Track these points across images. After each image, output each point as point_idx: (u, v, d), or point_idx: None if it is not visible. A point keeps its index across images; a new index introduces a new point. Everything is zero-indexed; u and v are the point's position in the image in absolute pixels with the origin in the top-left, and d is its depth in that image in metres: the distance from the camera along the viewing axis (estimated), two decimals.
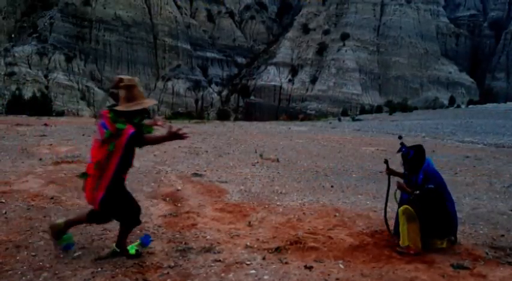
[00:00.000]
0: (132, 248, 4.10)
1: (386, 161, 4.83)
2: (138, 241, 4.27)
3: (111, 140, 3.69)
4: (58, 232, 4.03)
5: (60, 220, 4.13)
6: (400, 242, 4.34)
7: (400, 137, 4.60)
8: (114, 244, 4.13)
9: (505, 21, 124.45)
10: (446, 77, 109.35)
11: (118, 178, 3.85)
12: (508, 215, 5.86)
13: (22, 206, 5.69)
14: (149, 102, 3.93)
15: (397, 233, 4.59)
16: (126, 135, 3.67)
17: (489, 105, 68.58)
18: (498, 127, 26.88)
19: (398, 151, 4.61)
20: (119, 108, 3.76)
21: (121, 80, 3.82)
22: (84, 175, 3.89)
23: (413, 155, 4.46)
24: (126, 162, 3.88)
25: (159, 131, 4.03)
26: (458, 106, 78.56)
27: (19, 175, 7.63)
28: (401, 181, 4.66)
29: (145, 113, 4.01)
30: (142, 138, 3.78)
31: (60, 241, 4.03)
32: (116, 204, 3.88)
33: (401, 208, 4.38)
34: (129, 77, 3.89)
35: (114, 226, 5.03)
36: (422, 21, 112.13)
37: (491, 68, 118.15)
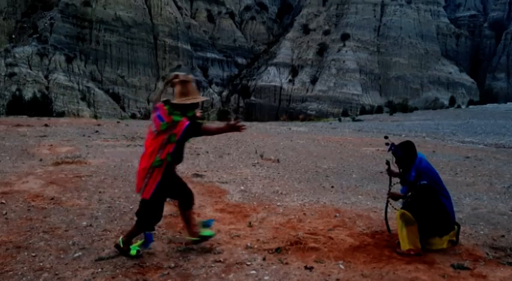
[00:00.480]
0: (133, 249, 4.11)
1: (388, 162, 4.83)
2: (141, 240, 4.26)
3: (167, 131, 3.89)
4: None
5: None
6: (401, 247, 4.33)
7: (386, 138, 4.61)
8: (120, 237, 4.19)
9: (505, 22, 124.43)
10: (446, 77, 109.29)
11: (170, 169, 4.03)
12: (508, 215, 5.86)
13: (22, 206, 5.69)
14: (202, 98, 4.17)
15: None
16: (182, 126, 3.87)
17: (489, 106, 68.58)
18: (498, 127, 26.88)
19: (389, 150, 4.60)
20: (175, 101, 3.98)
21: (176, 76, 4.08)
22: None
23: (402, 153, 4.44)
24: (179, 154, 4.07)
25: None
26: (459, 106, 78.49)
27: (19, 176, 7.63)
28: (397, 190, 4.65)
29: (197, 107, 4.19)
30: (199, 129, 3.97)
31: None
32: (156, 202, 4.05)
33: (398, 212, 4.37)
34: (185, 74, 4.12)
35: (114, 226, 5.03)
36: (422, 22, 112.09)
37: (492, 69, 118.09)
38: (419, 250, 4.27)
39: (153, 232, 4.49)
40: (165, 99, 4.10)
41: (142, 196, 4.02)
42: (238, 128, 3.94)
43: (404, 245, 4.29)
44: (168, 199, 6.38)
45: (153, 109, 4.09)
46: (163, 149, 3.92)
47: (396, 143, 4.64)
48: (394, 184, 4.85)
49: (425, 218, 4.32)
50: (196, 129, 3.96)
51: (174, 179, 4.19)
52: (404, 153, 4.43)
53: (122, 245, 4.07)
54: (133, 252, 4.06)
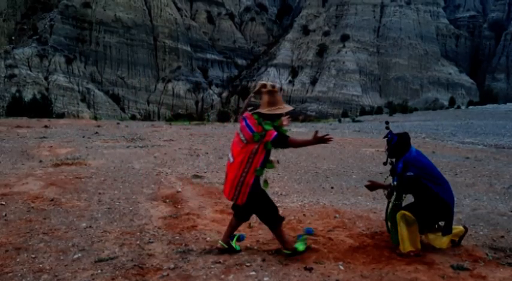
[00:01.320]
0: (300, 245, 4.18)
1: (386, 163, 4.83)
2: (304, 236, 4.39)
3: (260, 141, 3.95)
4: (228, 249, 4.21)
5: (220, 243, 4.25)
6: (401, 248, 4.32)
7: (386, 123, 4.59)
8: (282, 250, 4.21)
9: (504, 22, 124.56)
10: (446, 78, 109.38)
11: (258, 176, 4.08)
12: (508, 216, 5.86)
13: (22, 208, 5.70)
14: (289, 107, 4.17)
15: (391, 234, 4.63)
16: (270, 137, 3.93)
17: (489, 106, 68.56)
18: (498, 128, 26.89)
19: (385, 137, 4.60)
20: (263, 111, 4.01)
21: (264, 85, 4.10)
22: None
23: (397, 141, 4.42)
24: (265, 161, 4.09)
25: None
26: (459, 107, 78.49)
27: (19, 177, 7.63)
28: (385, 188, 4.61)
29: (282, 116, 4.22)
30: (285, 141, 3.99)
31: (301, 249, 4.16)
32: (260, 200, 4.14)
33: (398, 214, 4.35)
34: (271, 83, 4.12)
35: (114, 227, 5.03)
36: (422, 23, 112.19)
37: (491, 69, 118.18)
38: (419, 250, 4.28)
39: (148, 234, 4.46)
40: (250, 108, 4.19)
41: (237, 202, 4.10)
42: (325, 140, 3.92)
43: (406, 247, 4.28)
44: (167, 200, 6.40)
45: (241, 118, 4.16)
46: (255, 158, 3.98)
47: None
48: (386, 177, 4.87)
49: (419, 209, 4.33)
50: (283, 142, 3.99)
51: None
52: (398, 143, 4.42)
53: (289, 251, 4.14)
54: (301, 248, 4.16)
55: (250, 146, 3.97)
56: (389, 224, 4.69)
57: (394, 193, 4.58)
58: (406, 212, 4.30)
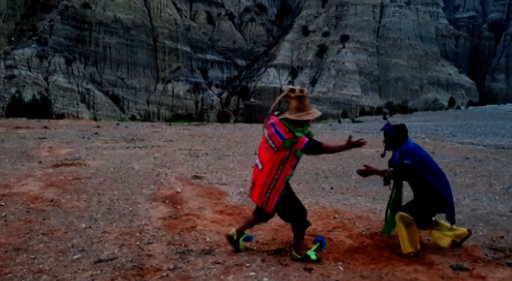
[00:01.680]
0: (311, 254, 4.12)
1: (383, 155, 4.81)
2: (316, 244, 4.33)
3: (291, 148, 3.90)
4: (233, 242, 4.25)
5: (232, 230, 4.29)
6: (402, 249, 4.31)
7: (384, 116, 4.59)
8: (293, 251, 4.18)
9: (504, 23, 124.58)
10: (446, 78, 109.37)
11: (288, 182, 4.08)
12: (507, 216, 5.86)
13: (22, 208, 5.70)
14: (318, 113, 4.11)
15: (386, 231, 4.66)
16: (301, 144, 3.89)
17: (489, 107, 68.53)
18: (498, 128, 26.88)
19: (382, 129, 4.59)
20: (292, 117, 3.93)
21: (293, 90, 3.99)
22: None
23: (394, 133, 4.42)
24: (295, 168, 4.08)
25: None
26: (458, 107, 78.41)
27: (19, 178, 7.64)
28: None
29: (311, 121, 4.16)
30: (319, 147, 3.95)
31: (312, 257, 4.10)
32: (289, 206, 4.12)
33: (397, 215, 4.35)
34: (300, 88, 4.05)
35: (113, 228, 5.04)
36: (421, 23, 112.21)
37: (491, 70, 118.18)
38: (419, 251, 4.30)
39: (148, 234, 4.47)
40: (277, 113, 4.14)
41: (266, 209, 4.09)
42: (359, 145, 3.92)
43: (406, 248, 4.29)
44: (167, 201, 6.40)
45: (268, 123, 4.06)
46: (285, 165, 3.97)
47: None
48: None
49: (416, 202, 4.37)
50: (315, 148, 3.95)
51: (293, 194, 4.27)
52: (396, 134, 4.42)
53: (299, 256, 4.11)
54: (313, 257, 4.08)
55: (281, 153, 3.93)
56: (388, 212, 4.68)
57: (392, 183, 4.58)
58: (404, 214, 4.31)
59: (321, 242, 4.37)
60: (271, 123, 4.01)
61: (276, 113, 4.16)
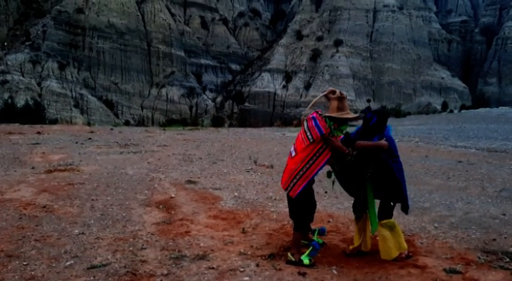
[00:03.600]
0: (305, 258, 4.19)
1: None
2: (309, 249, 4.35)
3: (326, 142, 4.17)
4: (296, 263, 4.18)
5: (288, 255, 4.29)
6: (391, 255, 4.28)
7: (368, 99, 4.49)
8: (288, 253, 4.29)
9: (496, 27, 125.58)
10: (438, 82, 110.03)
11: (314, 176, 4.29)
12: (500, 219, 5.90)
13: (14, 215, 5.66)
14: (355, 115, 4.37)
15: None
16: (338, 139, 4.22)
17: (481, 110, 68.95)
18: (490, 132, 27.05)
19: (362, 112, 4.50)
20: (333, 114, 4.20)
21: (333, 91, 4.29)
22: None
23: (376, 122, 4.35)
24: (327, 162, 4.33)
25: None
26: (451, 111, 78.85)
27: (11, 184, 7.59)
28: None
29: (348, 122, 4.37)
30: (352, 144, 4.22)
31: (305, 262, 4.17)
32: (304, 200, 4.33)
33: (379, 226, 4.35)
34: (340, 91, 4.32)
35: (107, 234, 5.01)
36: (414, 28, 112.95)
37: (483, 74, 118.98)
38: (407, 250, 4.33)
39: (142, 240, 4.46)
40: (316, 109, 4.39)
41: (290, 193, 4.28)
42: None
43: (393, 254, 4.27)
44: (161, 206, 6.38)
45: (310, 117, 4.31)
46: (319, 157, 4.20)
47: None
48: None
49: (375, 183, 4.39)
50: (349, 144, 4.22)
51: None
52: (379, 122, 4.36)
53: (293, 259, 4.18)
54: (306, 261, 4.15)
55: (317, 145, 4.20)
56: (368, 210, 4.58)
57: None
58: (384, 221, 4.33)
59: (314, 246, 4.39)
60: (313, 117, 4.27)
61: (317, 110, 4.40)
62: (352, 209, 4.69)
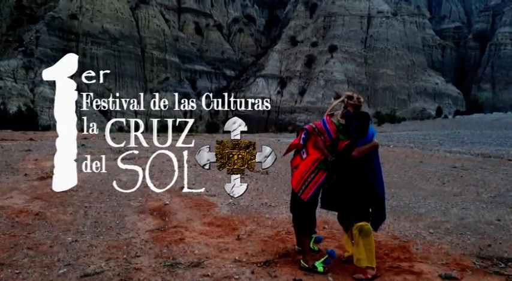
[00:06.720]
0: (319, 265, 4.13)
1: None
2: (324, 257, 4.26)
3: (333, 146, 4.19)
4: (311, 269, 4.12)
5: (301, 261, 4.23)
6: (360, 262, 4.02)
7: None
8: (301, 259, 4.23)
9: (489, 33, 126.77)
10: (433, 88, 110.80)
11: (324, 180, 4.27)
12: (495, 224, 5.90)
13: (6, 222, 5.60)
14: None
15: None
16: (341, 145, 4.19)
17: (475, 116, 69.51)
18: (484, 137, 27.22)
19: (343, 117, 4.22)
20: (343, 122, 4.18)
21: (351, 97, 4.21)
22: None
23: (357, 126, 4.08)
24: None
25: None
26: (446, 117, 79.46)
27: (3, 191, 7.51)
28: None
29: None
30: (354, 149, 4.18)
31: (320, 269, 4.12)
32: (315, 203, 4.33)
33: (356, 227, 4.08)
34: (357, 95, 4.26)
35: (100, 241, 4.96)
36: (408, 34, 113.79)
37: (477, 79, 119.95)
38: (375, 269, 4.02)
39: (136, 247, 4.40)
40: (332, 113, 4.36)
41: (302, 196, 4.22)
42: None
43: (363, 261, 4.01)
44: (155, 213, 6.33)
45: (322, 121, 4.33)
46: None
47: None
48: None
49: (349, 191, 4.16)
50: (352, 150, 4.16)
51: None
52: (359, 126, 4.08)
53: (306, 265, 4.13)
54: (320, 269, 4.09)
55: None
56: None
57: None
58: (360, 223, 4.07)
59: (330, 255, 4.28)
60: (324, 121, 4.30)
61: (332, 112, 4.40)
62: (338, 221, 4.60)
